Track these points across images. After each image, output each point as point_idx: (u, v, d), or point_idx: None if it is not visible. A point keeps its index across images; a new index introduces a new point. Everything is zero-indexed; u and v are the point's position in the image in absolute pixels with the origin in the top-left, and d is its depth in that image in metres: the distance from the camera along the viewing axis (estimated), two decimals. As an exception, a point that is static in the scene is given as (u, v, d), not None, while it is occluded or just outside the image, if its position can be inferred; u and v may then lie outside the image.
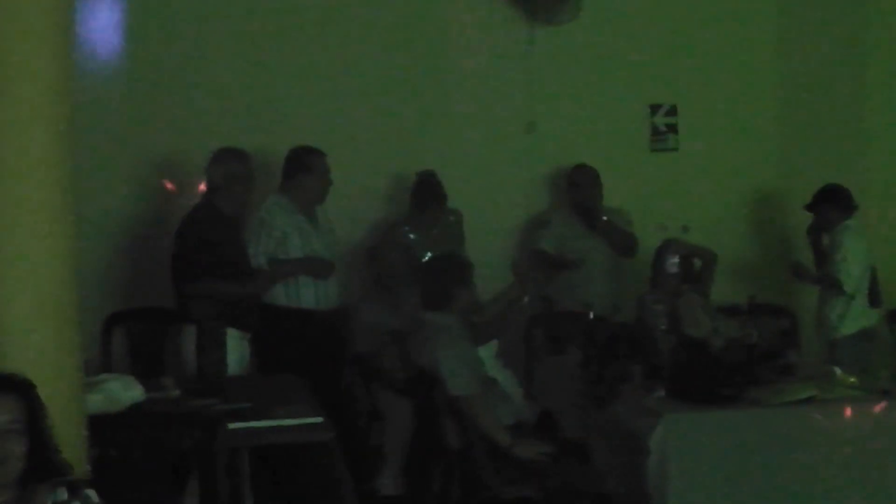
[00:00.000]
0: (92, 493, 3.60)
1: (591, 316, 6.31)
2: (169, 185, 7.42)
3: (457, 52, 8.17)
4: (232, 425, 4.91)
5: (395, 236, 7.50)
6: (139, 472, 4.75)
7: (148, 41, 7.61)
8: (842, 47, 8.77)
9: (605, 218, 7.80)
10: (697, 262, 7.18)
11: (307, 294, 6.93)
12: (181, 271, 6.42)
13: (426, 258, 7.18)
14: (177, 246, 6.49)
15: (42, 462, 3.54)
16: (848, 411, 5.66)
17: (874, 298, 7.62)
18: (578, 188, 7.93)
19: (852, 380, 6.00)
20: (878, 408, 5.70)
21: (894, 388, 5.91)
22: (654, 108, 8.59)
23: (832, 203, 7.67)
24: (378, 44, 8.00)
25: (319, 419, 5.09)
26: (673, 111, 8.61)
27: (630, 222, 7.97)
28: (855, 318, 7.53)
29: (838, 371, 6.11)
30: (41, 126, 3.99)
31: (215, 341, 5.66)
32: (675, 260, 6.92)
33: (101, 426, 4.45)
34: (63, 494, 3.54)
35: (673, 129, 8.62)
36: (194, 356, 5.73)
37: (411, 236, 7.47)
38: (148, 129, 7.53)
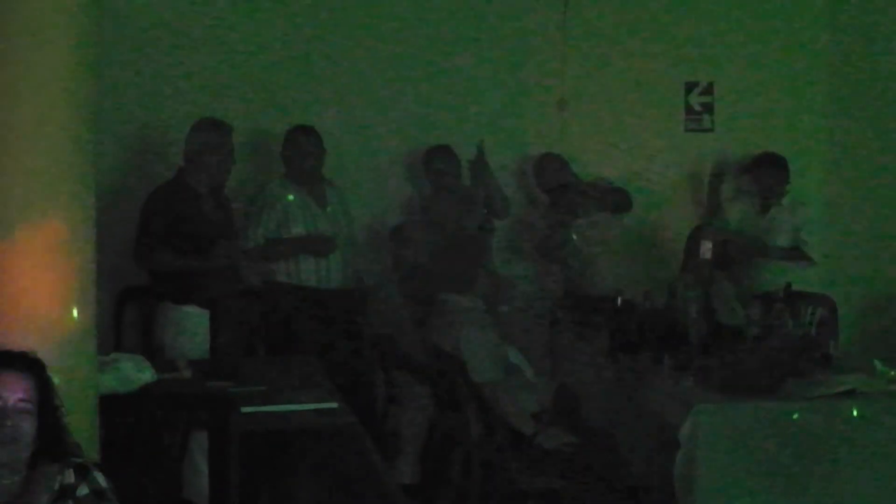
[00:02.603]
0: (100, 476, 3.62)
1: (619, 302, 6.30)
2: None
3: (487, 25, 8.14)
4: (246, 409, 4.89)
5: (417, 215, 7.53)
6: (146, 454, 4.77)
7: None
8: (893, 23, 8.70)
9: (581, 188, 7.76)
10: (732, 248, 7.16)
11: (307, 272, 7.04)
12: (140, 246, 6.47)
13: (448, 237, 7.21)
14: (139, 220, 6.54)
15: (52, 443, 3.56)
16: (889, 406, 5.64)
17: None
18: (546, 179, 7.91)
19: (893, 373, 5.96)
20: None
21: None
22: (690, 86, 8.55)
23: (779, 169, 7.79)
24: (406, 14, 7.99)
25: (335, 404, 5.10)
26: (709, 89, 8.56)
27: (612, 184, 7.89)
28: None
29: (879, 364, 6.06)
30: (63, 98, 4.01)
31: (229, 321, 5.67)
32: (710, 246, 6.89)
33: (111, 406, 4.46)
34: (71, 476, 3.56)
35: (709, 108, 8.57)
36: (172, 336, 5.76)
37: (431, 214, 7.48)
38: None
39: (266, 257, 6.98)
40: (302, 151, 7.16)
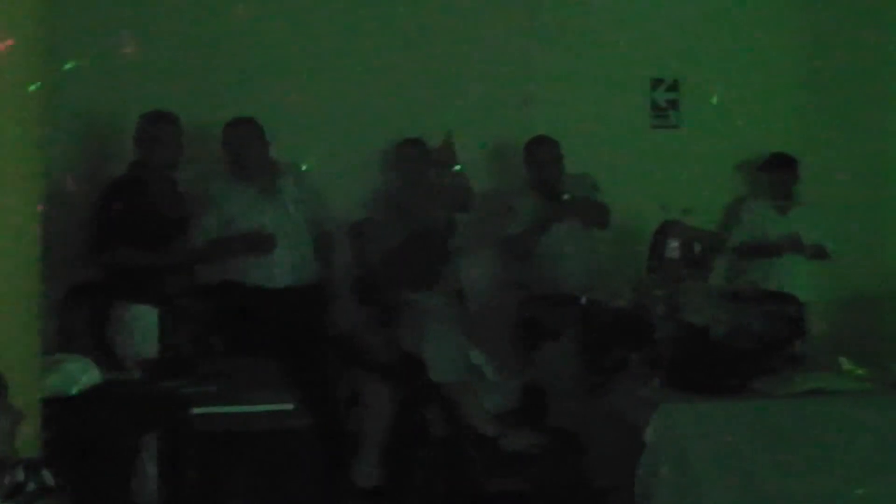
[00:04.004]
0: (48, 475, 3.62)
1: (584, 301, 6.25)
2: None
3: (455, 20, 8.10)
4: (198, 410, 4.84)
5: (382, 210, 7.45)
6: (94, 455, 4.69)
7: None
8: (867, 16, 8.70)
9: (566, 196, 7.63)
10: (698, 246, 7.10)
11: (253, 271, 6.94)
12: (96, 242, 6.44)
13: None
14: (94, 216, 6.50)
15: None
16: (855, 404, 5.63)
17: None
18: (537, 165, 7.78)
19: (860, 371, 5.94)
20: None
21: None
22: (656, 83, 8.51)
23: (791, 169, 8.00)
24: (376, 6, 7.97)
25: (291, 405, 5.01)
26: (675, 86, 8.54)
27: (596, 188, 7.82)
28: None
29: (846, 362, 6.04)
30: (10, 88, 3.94)
31: (182, 320, 5.60)
32: (676, 244, 6.84)
33: (57, 408, 4.42)
34: (20, 475, 3.56)
35: (674, 105, 8.55)
36: (122, 335, 5.68)
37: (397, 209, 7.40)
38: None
39: (207, 258, 6.85)
40: (240, 144, 7.02)
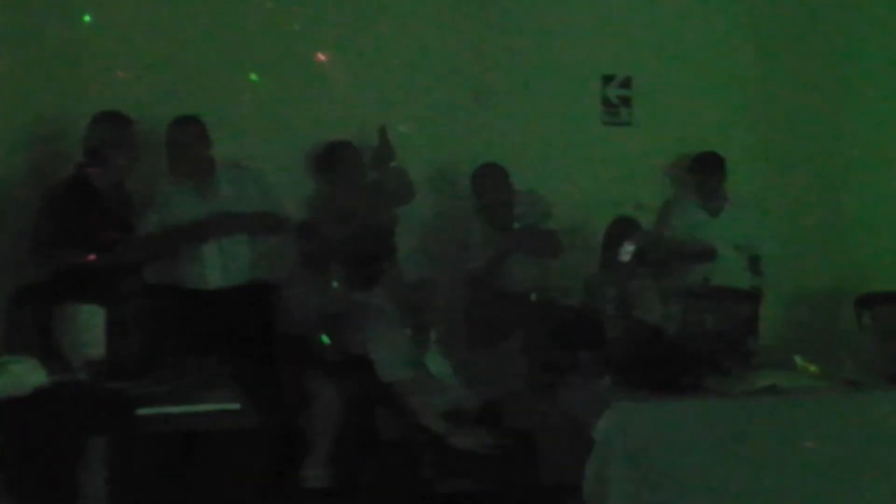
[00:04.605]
0: None
1: (533, 298, 6.25)
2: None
3: (401, 16, 8.03)
4: (145, 410, 4.80)
5: (325, 209, 7.41)
6: (41, 457, 4.66)
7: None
8: (820, 12, 8.77)
9: (517, 225, 7.53)
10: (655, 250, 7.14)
11: (186, 273, 6.92)
12: (37, 245, 6.38)
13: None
14: (37, 219, 6.44)
15: None
16: (808, 402, 5.66)
17: None
18: (485, 193, 7.62)
19: (813, 368, 5.97)
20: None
21: (858, 378, 5.89)
22: (607, 80, 8.51)
23: (720, 169, 8.00)
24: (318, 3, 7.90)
25: (238, 405, 5.00)
26: (627, 83, 8.54)
27: (548, 213, 7.70)
28: None
29: (800, 360, 6.07)
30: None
31: (130, 321, 5.56)
32: (631, 249, 6.85)
33: (4, 410, 4.46)
34: None
35: (626, 101, 8.54)
36: (68, 336, 5.64)
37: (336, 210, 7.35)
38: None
39: (145, 255, 6.79)
40: (179, 144, 6.93)
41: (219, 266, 6.88)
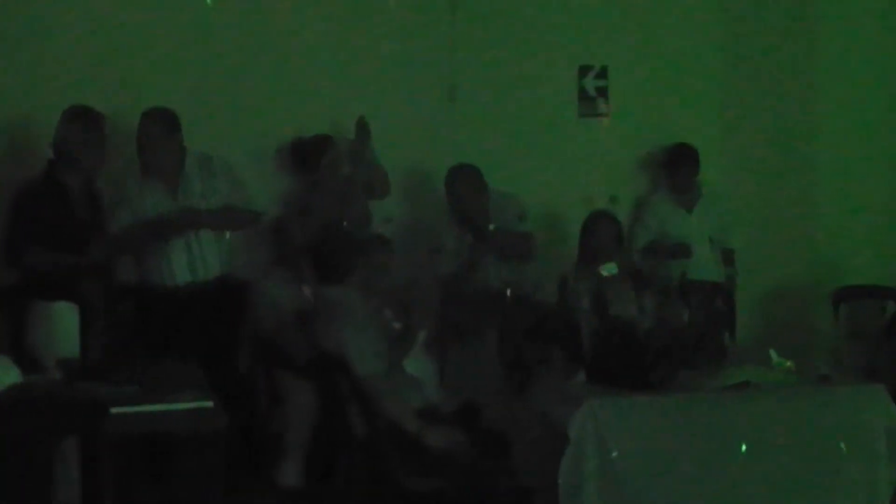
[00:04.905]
0: None
1: (509, 295, 6.24)
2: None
3: (375, 10, 7.99)
4: (116, 410, 4.81)
5: (297, 206, 7.38)
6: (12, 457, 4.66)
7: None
8: (793, 4, 8.79)
9: (491, 227, 7.44)
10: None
11: (152, 270, 6.89)
12: (9, 246, 6.36)
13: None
14: (8, 219, 6.42)
15: None
16: (780, 397, 5.68)
17: None
18: (459, 196, 7.52)
19: (788, 364, 5.98)
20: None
21: (832, 373, 5.91)
22: (584, 71, 8.49)
23: (694, 161, 8.05)
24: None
25: (209, 404, 4.99)
26: (603, 74, 8.51)
27: (523, 215, 7.61)
28: None
29: (774, 355, 6.08)
30: None
31: (102, 320, 5.55)
32: (614, 270, 6.78)
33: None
34: None
35: (603, 92, 8.51)
36: (40, 335, 5.63)
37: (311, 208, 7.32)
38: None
39: (114, 252, 6.77)
40: (150, 135, 6.86)
41: (185, 262, 6.86)
